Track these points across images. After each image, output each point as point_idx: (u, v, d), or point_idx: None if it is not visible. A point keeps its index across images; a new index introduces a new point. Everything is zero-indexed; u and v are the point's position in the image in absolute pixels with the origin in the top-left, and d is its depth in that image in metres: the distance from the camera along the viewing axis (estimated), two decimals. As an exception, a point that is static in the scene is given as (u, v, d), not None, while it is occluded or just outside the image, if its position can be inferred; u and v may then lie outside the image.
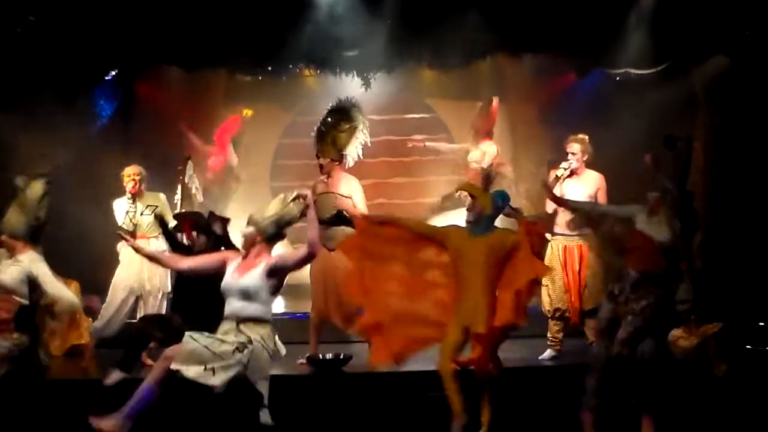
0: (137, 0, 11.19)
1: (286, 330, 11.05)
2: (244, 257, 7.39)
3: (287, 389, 8.49)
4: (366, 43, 11.68)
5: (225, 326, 7.23)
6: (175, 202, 10.63)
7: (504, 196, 8.05)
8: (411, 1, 11.48)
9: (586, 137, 10.03)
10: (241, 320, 7.18)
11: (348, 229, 9.32)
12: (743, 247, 11.41)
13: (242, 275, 7.25)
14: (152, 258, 8.25)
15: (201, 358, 6.95)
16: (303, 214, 7.39)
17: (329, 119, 9.94)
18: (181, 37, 11.48)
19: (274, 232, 7.35)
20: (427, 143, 12.31)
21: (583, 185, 9.89)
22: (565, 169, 9.86)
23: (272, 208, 7.40)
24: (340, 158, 9.85)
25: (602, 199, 9.87)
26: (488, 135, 11.73)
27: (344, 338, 10.26)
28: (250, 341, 7.12)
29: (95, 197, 11.18)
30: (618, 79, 12.22)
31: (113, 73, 11.96)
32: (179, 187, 10.76)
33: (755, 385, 8.70)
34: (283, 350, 8.02)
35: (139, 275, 10.19)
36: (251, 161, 13.66)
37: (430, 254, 8.07)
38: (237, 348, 7.05)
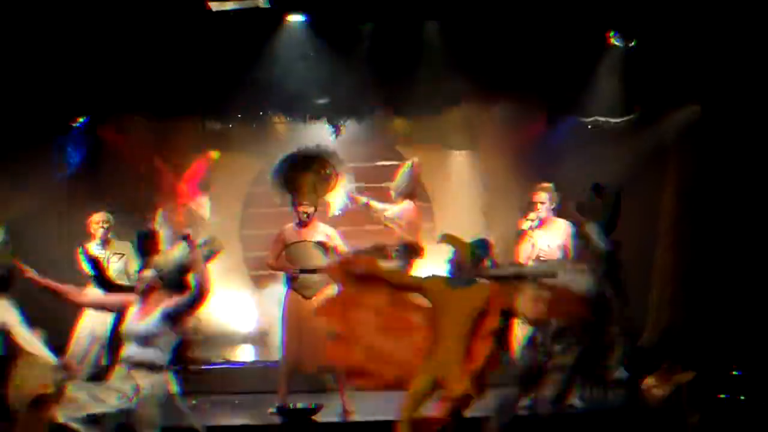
0: (106, 48, 11.14)
1: (255, 379, 11.03)
2: (144, 301, 7.18)
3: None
4: (336, 91, 11.69)
5: (117, 371, 7.05)
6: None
7: (484, 245, 7.98)
8: (381, 49, 11.49)
9: (552, 185, 10.03)
10: (134, 365, 6.98)
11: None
12: (716, 296, 11.37)
13: (141, 320, 7.07)
14: (53, 290, 8.03)
15: (84, 407, 6.78)
16: (210, 258, 7.20)
17: (302, 166, 9.88)
18: (150, 85, 11.47)
19: (176, 279, 7.18)
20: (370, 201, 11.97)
21: (553, 234, 9.89)
22: (532, 221, 9.86)
23: (176, 254, 7.24)
24: (317, 206, 9.80)
25: (570, 247, 9.86)
26: (410, 196, 11.49)
27: (314, 388, 10.14)
28: (137, 389, 6.91)
29: (63, 245, 11.03)
30: (589, 127, 12.24)
31: (82, 120, 11.89)
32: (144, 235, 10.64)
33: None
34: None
35: (105, 322, 10.04)
36: (221, 210, 13.55)
37: (415, 295, 7.95)
38: (122, 396, 6.85)
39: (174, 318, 7.08)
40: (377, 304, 7.84)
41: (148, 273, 7.23)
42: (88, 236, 10.34)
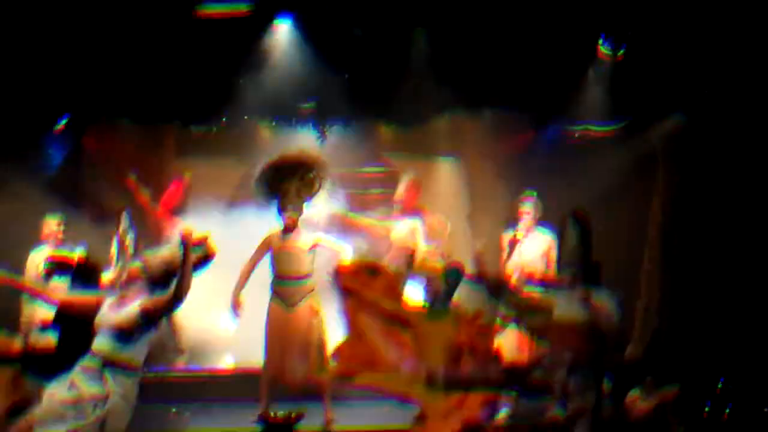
0: (89, 52, 11.06)
1: (235, 387, 10.93)
2: (123, 293, 7.02)
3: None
4: (322, 97, 11.63)
5: (88, 362, 6.81)
6: (112, 254, 10.45)
7: (455, 274, 7.91)
8: (368, 55, 11.44)
9: (534, 194, 10.03)
10: (109, 363, 6.77)
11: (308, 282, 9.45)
12: (702, 307, 11.34)
13: (117, 310, 6.89)
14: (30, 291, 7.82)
15: (61, 417, 6.63)
16: (207, 259, 7.13)
17: (286, 171, 9.80)
18: (133, 89, 11.37)
19: (160, 276, 7.02)
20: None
21: (536, 244, 9.90)
22: (520, 231, 9.88)
23: (167, 251, 7.11)
24: (303, 211, 9.74)
25: (552, 257, 9.82)
26: (414, 211, 11.49)
27: (297, 395, 10.04)
28: (107, 396, 6.73)
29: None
30: (577, 135, 12.21)
31: (63, 123, 11.79)
32: (114, 242, 10.55)
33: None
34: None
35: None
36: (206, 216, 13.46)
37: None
38: (95, 405, 6.66)
39: (150, 315, 6.90)
40: (378, 314, 7.85)
41: (136, 264, 7.10)
42: (41, 240, 10.26)
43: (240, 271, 9.67)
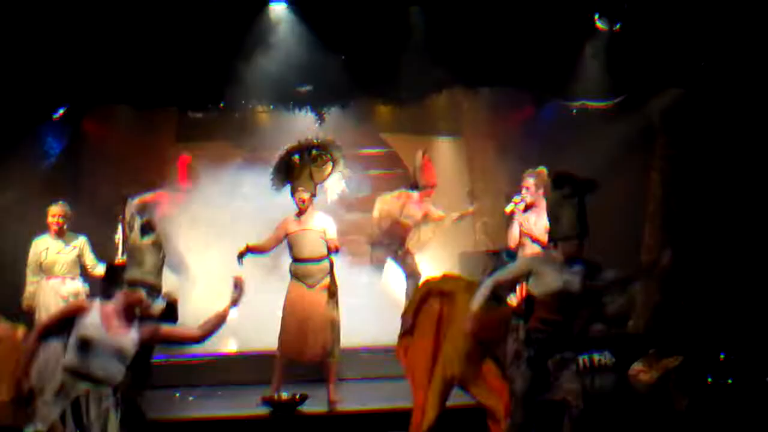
0: (87, 38, 11.05)
1: (239, 372, 10.98)
2: (123, 313, 6.56)
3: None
4: (320, 79, 11.61)
5: (74, 384, 6.40)
6: (116, 242, 10.48)
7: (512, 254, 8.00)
8: (365, 36, 11.42)
9: (544, 170, 9.99)
10: (95, 381, 6.41)
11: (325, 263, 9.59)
12: (703, 278, 11.36)
13: (116, 334, 6.47)
14: None
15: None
16: (234, 303, 6.97)
17: (305, 155, 9.83)
18: (131, 75, 11.35)
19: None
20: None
21: (541, 216, 9.89)
22: (516, 203, 9.87)
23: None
24: (315, 193, 9.77)
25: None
26: (415, 186, 11.79)
27: (302, 378, 10.06)
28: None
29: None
30: (575, 111, 12.18)
31: (62, 110, 11.79)
32: (119, 227, 10.57)
33: (716, 419, 8.63)
34: None
35: None
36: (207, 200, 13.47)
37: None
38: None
39: (152, 341, 6.83)
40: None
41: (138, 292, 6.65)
42: (45, 228, 10.28)
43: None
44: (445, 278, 8.51)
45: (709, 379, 9.74)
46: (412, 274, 11.97)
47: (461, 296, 7.78)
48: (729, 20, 11.22)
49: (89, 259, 10.38)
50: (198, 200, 12.37)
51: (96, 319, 6.43)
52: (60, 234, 10.27)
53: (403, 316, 8.23)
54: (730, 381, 9.42)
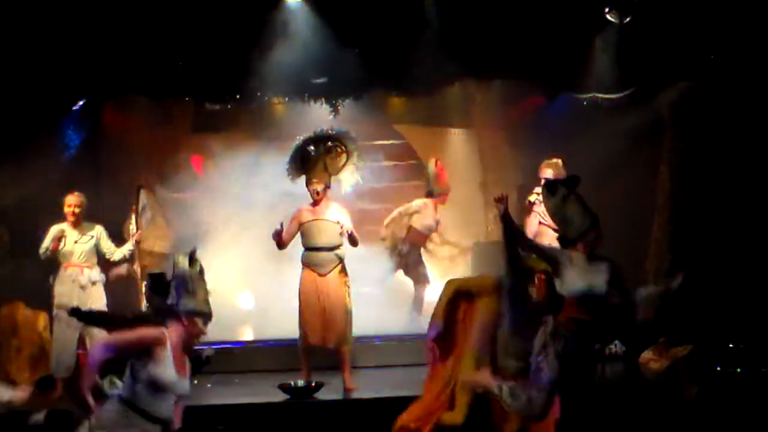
0: (104, 30, 11.13)
1: (254, 359, 11.08)
2: (179, 348, 6.18)
3: (258, 417, 8.45)
4: (334, 71, 11.69)
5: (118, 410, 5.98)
6: (131, 233, 10.60)
7: None
8: (378, 28, 11.49)
9: (560, 161, 10.08)
10: (150, 418, 6.03)
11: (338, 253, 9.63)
12: (712, 269, 11.43)
13: (183, 376, 6.16)
14: None
15: None
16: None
17: (320, 146, 9.90)
18: (149, 67, 11.44)
19: None
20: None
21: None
22: (538, 194, 9.91)
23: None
24: (329, 184, 9.88)
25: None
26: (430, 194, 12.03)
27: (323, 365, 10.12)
28: None
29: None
30: (585, 103, 12.23)
31: (81, 103, 11.89)
32: (133, 218, 10.68)
33: (725, 408, 8.69)
34: None
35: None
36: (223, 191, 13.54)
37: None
38: None
39: None
40: None
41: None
42: (63, 218, 10.39)
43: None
44: (471, 279, 8.54)
45: (719, 368, 9.83)
46: (422, 281, 12.19)
47: (485, 298, 7.79)
48: (738, 13, 11.26)
49: (106, 247, 10.42)
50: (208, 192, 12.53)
51: (170, 359, 6.04)
52: (76, 224, 10.31)
53: (433, 318, 8.17)
54: (739, 370, 9.48)
